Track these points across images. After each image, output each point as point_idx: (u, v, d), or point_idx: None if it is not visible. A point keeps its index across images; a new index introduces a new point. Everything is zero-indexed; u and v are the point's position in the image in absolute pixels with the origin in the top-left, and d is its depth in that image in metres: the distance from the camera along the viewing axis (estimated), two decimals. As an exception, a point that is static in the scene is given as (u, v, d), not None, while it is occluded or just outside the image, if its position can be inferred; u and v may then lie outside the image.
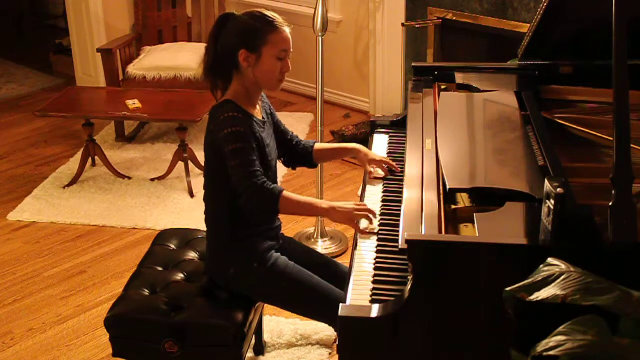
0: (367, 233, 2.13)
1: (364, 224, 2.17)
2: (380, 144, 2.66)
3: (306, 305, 2.33)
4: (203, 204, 2.40)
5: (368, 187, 2.40)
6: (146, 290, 2.40)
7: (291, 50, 2.29)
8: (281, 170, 2.56)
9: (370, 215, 2.18)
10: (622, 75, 1.69)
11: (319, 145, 2.58)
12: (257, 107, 2.35)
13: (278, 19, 2.26)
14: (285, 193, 2.22)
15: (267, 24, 2.24)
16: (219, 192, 2.31)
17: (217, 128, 2.21)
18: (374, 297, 1.84)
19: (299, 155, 2.54)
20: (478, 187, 1.93)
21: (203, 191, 2.40)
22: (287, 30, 2.26)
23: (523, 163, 2.06)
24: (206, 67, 2.30)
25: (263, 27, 2.23)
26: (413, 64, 2.80)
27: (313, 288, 2.29)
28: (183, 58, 4.88)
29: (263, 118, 2.35)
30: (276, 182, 2.39)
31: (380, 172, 2.45)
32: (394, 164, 2.45)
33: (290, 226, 3.72)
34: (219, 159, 2.23)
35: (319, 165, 2.98)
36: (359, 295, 1.86)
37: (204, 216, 2.40)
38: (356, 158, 2.53)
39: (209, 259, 2.43)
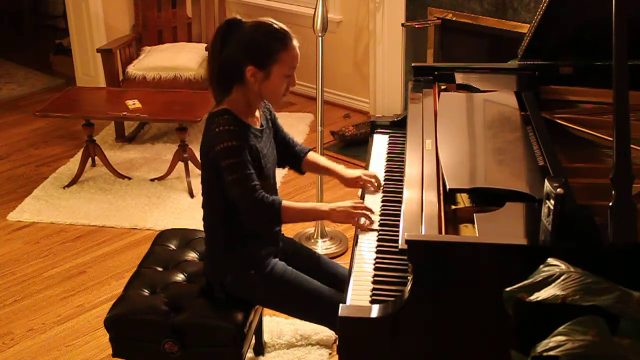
0: (367, 229, 2.14)
1: (362, 220, 2.18)
2: (380, 144, 2.66)
3: (305, 309, 2.32)
4: (203, 204, 2.39)
5: (368, 187, 2.40)
6: (146, 291, 2.40)
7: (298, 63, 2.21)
8: (280, 171, 2.54)
9: (368, 213, 2.18)
10: (622, 75, 1.69)
11: (313, 156, 2.51)
12: (256, 114, 2.30)
13: (288, 33, 2.18)
14: (285, 203, 2.19)
15: (278, 41, 2.15)
16: (213, 200, 2.28)
17: (211, 141, 2.17)
18: (374, 297, 1.84)
19: (289, 155, 2.48)
20: (478, 187, 1.93)
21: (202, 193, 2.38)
22: (297, 45, 2.19)
23: (523, 163, 2.06)
24: (209, 77, 2.25)
25: (274, 45, 2.14)
26: (413, 64, 2.79)
27: (312, 293, 2.27)
28: (183, 58, 4.88)
29: (261, 125, 2.30)
30: (275, 189, 2.38)
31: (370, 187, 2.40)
32: (372, 180, 2.38)
33: (290, 226, 3.71)
34: (212, 170, 2.21)
35: None
36: (359, 295, 1.86)
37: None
38: (341, 182, 2.46)
39: (207, 265, 2.41)
